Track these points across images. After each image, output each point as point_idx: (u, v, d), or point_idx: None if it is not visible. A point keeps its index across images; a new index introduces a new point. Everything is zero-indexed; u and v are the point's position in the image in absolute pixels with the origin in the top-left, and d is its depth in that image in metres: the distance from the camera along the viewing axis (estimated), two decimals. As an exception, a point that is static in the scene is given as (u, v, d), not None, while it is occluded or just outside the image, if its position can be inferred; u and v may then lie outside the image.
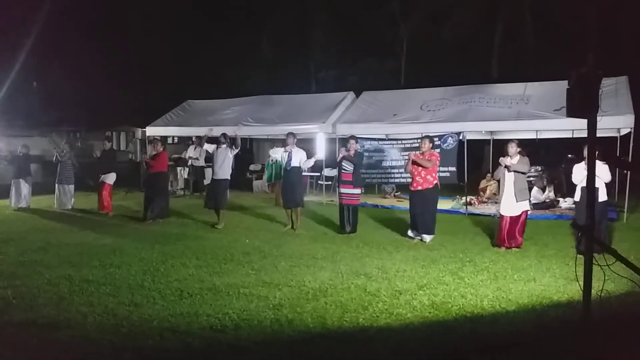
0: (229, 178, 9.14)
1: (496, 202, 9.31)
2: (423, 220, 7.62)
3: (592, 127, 3.70)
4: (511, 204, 7.22)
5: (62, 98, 21.42)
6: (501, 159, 7.33)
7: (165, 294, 5.04)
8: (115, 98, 21.69)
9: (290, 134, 8.89)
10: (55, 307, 4.65)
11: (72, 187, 11.12)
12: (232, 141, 9.12)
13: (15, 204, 11.05)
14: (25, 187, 11.14)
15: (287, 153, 8.58)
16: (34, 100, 21.13)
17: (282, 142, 10.45)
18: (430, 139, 8.01)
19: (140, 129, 18.42)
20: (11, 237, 7.94)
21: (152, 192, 9.55)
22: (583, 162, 6.72)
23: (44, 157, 11.91)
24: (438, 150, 9.70)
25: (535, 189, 11.50)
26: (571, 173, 7.10)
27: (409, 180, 7.96)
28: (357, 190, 8.35)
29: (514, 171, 7.14)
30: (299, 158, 8.53)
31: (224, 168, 8.98)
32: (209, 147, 9.15)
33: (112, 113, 20.88)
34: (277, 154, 8.79)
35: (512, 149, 7.26)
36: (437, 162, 7.72)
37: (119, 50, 22.34)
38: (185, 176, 14.77)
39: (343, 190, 8.39)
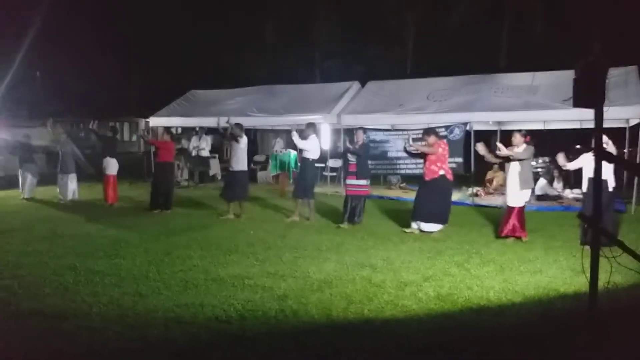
0: (244, 169, 8.88)
1: (503, 194, 9.22)
2: (427, 208, 7.47)
3: (599, 117, 3.65)
4: (515, 194, 7.14)
5: (65, 89, 21.43)
6: (501, 149, 7.18)
7: (170, 284, 5.04)
8: (119, 88, 21.67)
9: (311, 124, 8.76)
10: (61, 297, 4.67)
11: (73, 175, 10.74)
12: (225, 131, 8.89)
13: (23, 194, 11.07)
14: (29, 177, 11.13)
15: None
16: (37, 91, 21.13)
17: (286, 133, 10.31)
18: (434, 132, 7.76)
19: (143, 120, 18.41)
20: (16, 227, 7.98)
21: (161, 182, 9.53)
22: (591, 153, 6.63)
23: (49, 148, 11.90)
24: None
25: (543, 181, 11.38)
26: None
27: (415, 171, 7.88)
28: (362, 182, 8.17)
29: (518, 160, 7.06)
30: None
31: (237, 160, 8.79)
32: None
33: (116, 104, 20.88)
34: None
35: (516, 138, 7.19)
36: (441, 149, 7.48)
37: (122, 40, 22.28)
38: (188, 166, 14.75)
39: (348, 181, 8.33)
